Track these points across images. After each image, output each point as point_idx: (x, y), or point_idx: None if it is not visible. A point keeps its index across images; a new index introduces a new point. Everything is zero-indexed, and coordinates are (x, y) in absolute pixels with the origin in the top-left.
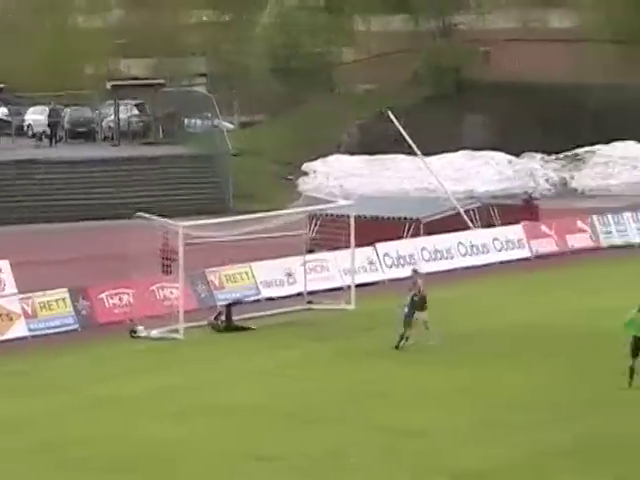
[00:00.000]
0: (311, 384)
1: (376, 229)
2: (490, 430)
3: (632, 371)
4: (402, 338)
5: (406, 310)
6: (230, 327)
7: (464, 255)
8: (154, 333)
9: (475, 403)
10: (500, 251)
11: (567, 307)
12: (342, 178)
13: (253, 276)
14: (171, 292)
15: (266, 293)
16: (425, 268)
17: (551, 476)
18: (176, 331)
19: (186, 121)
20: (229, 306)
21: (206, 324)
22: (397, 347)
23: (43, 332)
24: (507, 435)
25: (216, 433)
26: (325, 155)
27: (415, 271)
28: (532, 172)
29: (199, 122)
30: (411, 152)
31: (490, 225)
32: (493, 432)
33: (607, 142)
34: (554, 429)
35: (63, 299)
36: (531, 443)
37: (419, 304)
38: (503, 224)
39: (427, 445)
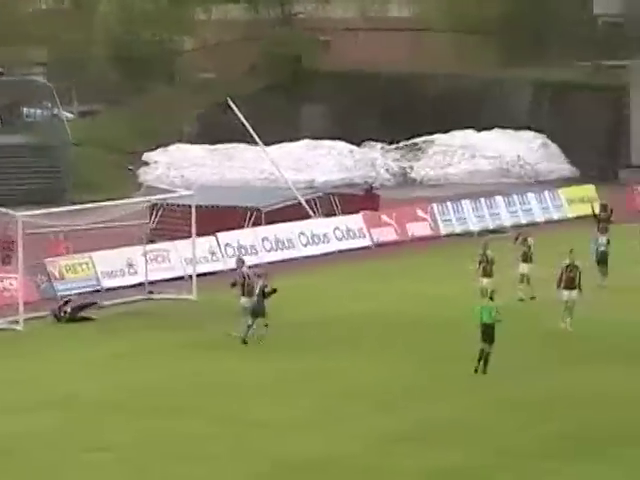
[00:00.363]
0: (153, 375)
1: (217, 219)
2: (331, 418)
3: (482, 354)
4: (249, 328)
5: (255, 300)
6: (72, 318)
7: (305, 244)
8: None
9: (316, 392)
10: (341, 240)
11: (407, 295)
12: (183, 168)
13: (94, 266)
14: (10, 283)
15: (107, 283)
16: (266, 258)
17: (391, 462)
18: (16, 322)
19: (25, 110)
20: (83, 307)
21: (49, 314)
22: (245, 338)
23: None
24: (348, 423)
25: (52, 425)
26: (166, 145)
27: (240, 260)
28: (372, 162)
29: (38, 111)
30: (252, 141)
31: (331, 214)
32: (334, 420)
33: (446, 131)
34: (395, 415)
35: None
36: (372, 430)
37: (248, 292)
38: (344, 213)
39: (268, 435)
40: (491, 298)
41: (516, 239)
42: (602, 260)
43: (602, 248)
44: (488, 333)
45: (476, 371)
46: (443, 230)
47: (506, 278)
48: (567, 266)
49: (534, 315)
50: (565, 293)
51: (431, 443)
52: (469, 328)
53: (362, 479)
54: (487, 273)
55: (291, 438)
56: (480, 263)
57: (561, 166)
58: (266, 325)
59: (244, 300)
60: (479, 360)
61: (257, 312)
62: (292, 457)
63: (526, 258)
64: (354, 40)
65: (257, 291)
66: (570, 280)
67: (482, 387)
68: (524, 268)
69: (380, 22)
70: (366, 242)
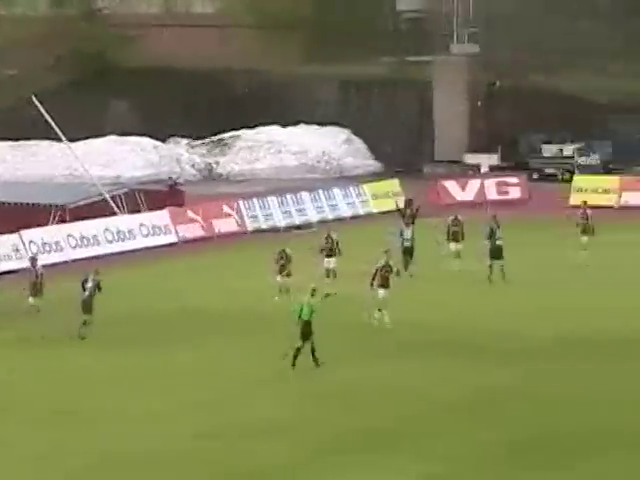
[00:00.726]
0: None
1: (21, 216)
2: (174, 411)
3: (298, 352)
4: (85, 324)
5: (85, 295)
6: None
7: (111, 241)
8: None
9: (150, 386)
10: (147, 237)
11: (214, 291)
12: None
13: None
14: None
15: None
16: (72, 255)
17: (236, 455)
18: None
19: None
20: None
21: None
22: (81, 334)
23: None
24: (190, 415)
25: None
26: None
27: (33, 259)
28: (178, 157)
29: None
30: (57, 138)
31: (136, 211)
32: (177, 412)
33: (252, 127)
34: (225, 411)
35: None
36: (207, 425)
37: (38, 290)
38: (149, 210)
39: (108, 429)
40: (312, 295)
41: (322, 250)
42: (408, 252)
43: (407, 243)
44: (306, 329)
45: (294, 366)
46: (249, 226)
47: (312, 274)
48: (382, 266)
49: (343, 309)
50: (380, 291)
51: (260, 439)
52: (280, 323)
53: (191, 473)
54: (284, 270)
55: (123, 432)
56: (279, 260)
57: (366, 161)
58: (84, 323)
59: (32, 300)
60: (295, 357)
61: (89, 308)
62: (122, 450)
63: (331, 253)
64: (160, 36)
65: (90, 286)
66: (385, 279)
67: (306, 381)
68: (330, 263)
69: (185, 18)
70: (172, 238)
